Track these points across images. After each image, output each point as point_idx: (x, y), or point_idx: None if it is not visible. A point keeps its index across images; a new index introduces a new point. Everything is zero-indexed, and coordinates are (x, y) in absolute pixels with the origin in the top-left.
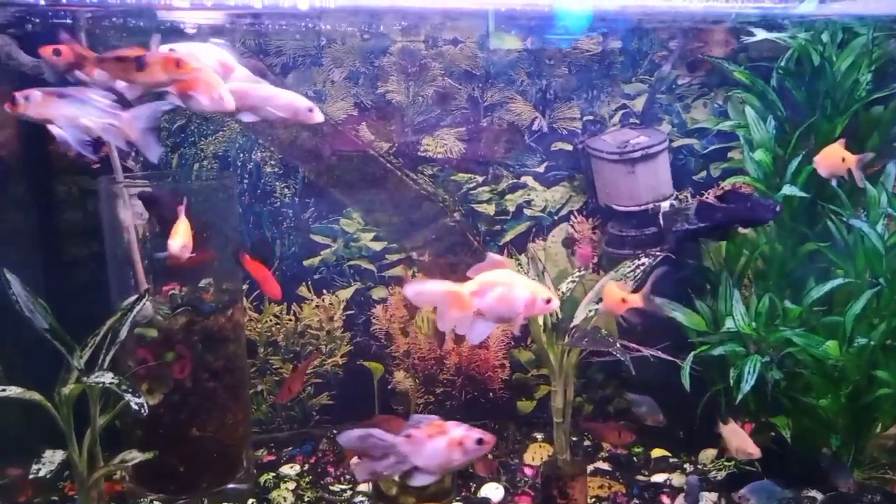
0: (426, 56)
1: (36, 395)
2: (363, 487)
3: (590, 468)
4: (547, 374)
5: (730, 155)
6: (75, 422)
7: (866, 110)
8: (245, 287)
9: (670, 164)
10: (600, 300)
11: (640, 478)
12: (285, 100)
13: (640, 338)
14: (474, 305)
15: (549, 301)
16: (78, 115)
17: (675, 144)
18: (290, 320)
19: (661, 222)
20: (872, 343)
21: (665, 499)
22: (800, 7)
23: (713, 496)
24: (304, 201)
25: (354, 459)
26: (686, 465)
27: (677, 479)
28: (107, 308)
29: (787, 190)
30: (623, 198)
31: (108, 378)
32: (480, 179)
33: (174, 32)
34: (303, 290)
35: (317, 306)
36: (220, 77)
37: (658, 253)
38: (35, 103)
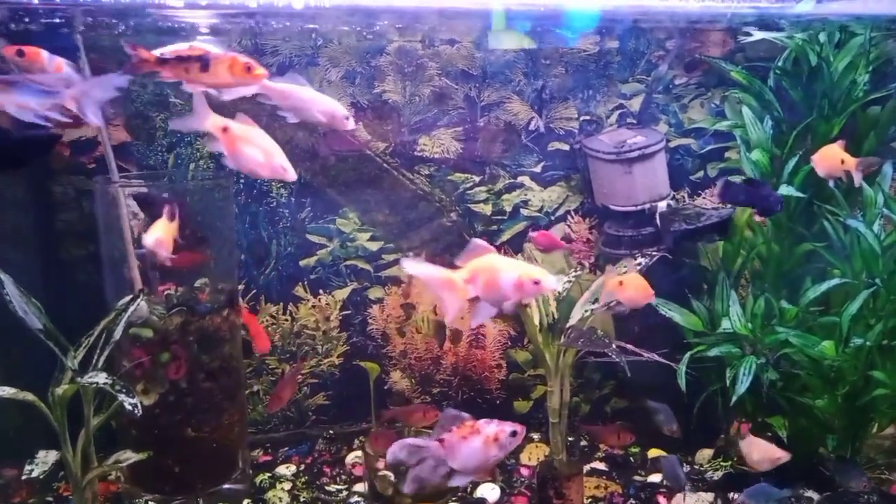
0: (423, 56)
1: (29, 396)
2: (359, 488)
3: (586, 468)
4: (543, 375)
5: (727, 155)
6: (71, 422)
7: (863, 111)
8: (241, 287)
9: (667, 164)
10: (596, 300)
11: (636, 478)
12: (326, 105)
13: (636, 339)
14: (469, 293)
15: (538, 282)
16: (26, 99)
17: (671, 144)
18: (287, 320)
19: (658, 222)
20: (869, 343)
21: (661, 499)
22: (797, 7)
23: (709, 496)
24: (300, 201)
25: (350, 457)
26: (683, 466)
27: None
28: (103, 308)
29: (784, 190)
30: (620, 198)
31: (101, 378)
32: (477, 179)
33: (169, 32)
34: (299, 291)
35: (313, 306)
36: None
37: (655, 253)
38: None
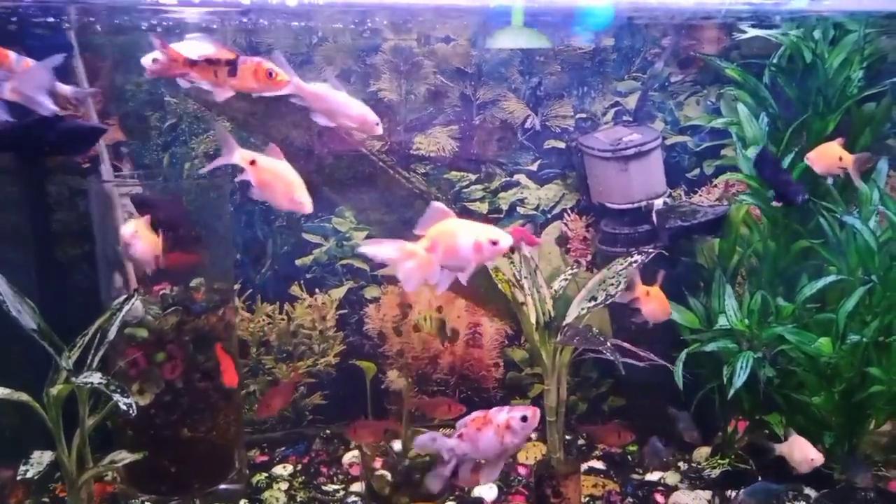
0: (418, 54)
1: (24, 396)
2: (356, 487)
3: (584, 467)
4: (540, 373)
5: (723, 152)
6: (66, 423)
7: (858, 107)
8: (237, 287)
9: (663, 161)
10: (593, 298)
11: (634, 476)
12: (357, 110)
13: (633, 337)
14: (432, 260)
15: (495, 242)
16: None
17: (668, 142)
18: (283, 320)
19: (655, 220)
20: (865, 340)
21: (659, 497)
22: (791, 3)
23: (707, 494)
24: None
25: (347, 457)
26: (680, 464)
27: (671, 478)
28: (98, 309)
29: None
30: (616, 195)
31: (96, 378)
32: (473, 177)
33: (165, 30)
34: (295, 290)
35: (309, 306)
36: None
37: (651, 250)
38: None
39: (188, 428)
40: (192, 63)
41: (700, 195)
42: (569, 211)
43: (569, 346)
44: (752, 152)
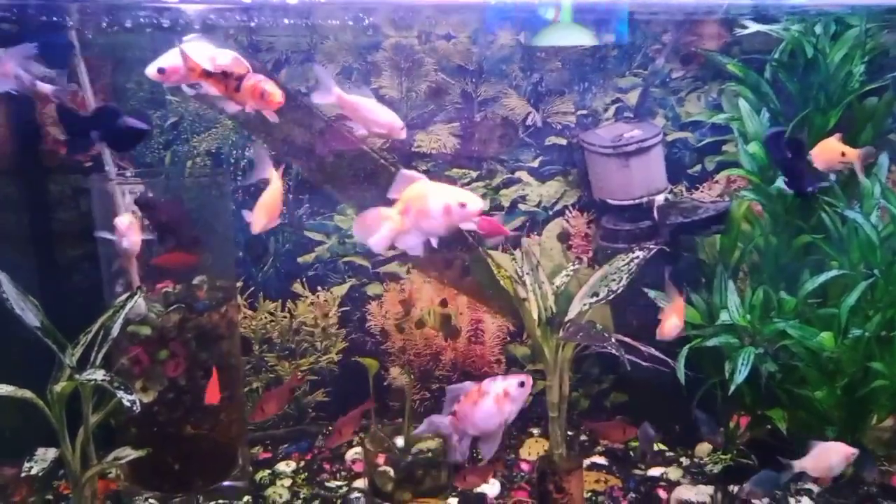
0: (419, 51)
1: (28, 394)
2: (359, 483)
3: (586, 462)
4: (542, 369)
5: (724, 148)
6: (70, 420)
7: (860, 102)
8: (239, 284)
9: (664, 157)
10: (595, 294)
11: (636, 472)
12: (385, 117)
13: (635, 333)
14: (405, 223)
15: (463, 204)
16: None
17: (669, 138)
18: (285, 317)
19: (656, 216)
20: (867, 335)
21: (661, 492)
22: None
23: (709, 489)
24: (297, 198)
25: (350, 453)
26: (682, 459)
27: (673, 473)
28: (100, 306)
29: (781, 182)
30: (617, 192)
31: (100, 375)
32: (474, 174)
33: (163, 28)
34: (297, 287)
35: (311, 303)
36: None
37: (652, 246)
38: None
39: (191, 425)
40: (208, 74)
41: (701, 191)
42: (570, 207)
43: (571, 342)
44: (753, 148)
